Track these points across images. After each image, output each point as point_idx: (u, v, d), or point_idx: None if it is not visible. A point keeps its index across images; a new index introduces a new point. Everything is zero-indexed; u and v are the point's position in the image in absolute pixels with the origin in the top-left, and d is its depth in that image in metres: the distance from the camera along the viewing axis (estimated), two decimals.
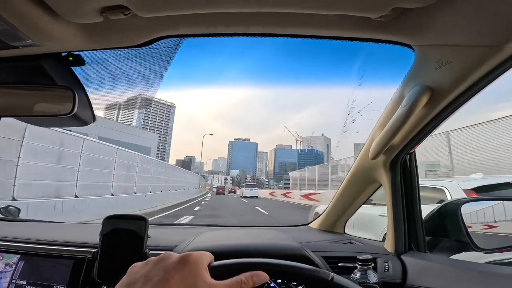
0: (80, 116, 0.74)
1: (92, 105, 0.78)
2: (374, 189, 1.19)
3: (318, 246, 1.09)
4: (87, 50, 0.64)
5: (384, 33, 0.61)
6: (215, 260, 0.45)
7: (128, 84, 0.83)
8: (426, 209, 1.08)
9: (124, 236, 0.86)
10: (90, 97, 0.77)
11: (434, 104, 0.72)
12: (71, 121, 0.75)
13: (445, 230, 1.04)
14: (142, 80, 0.82)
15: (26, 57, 0.62)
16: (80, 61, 0.68)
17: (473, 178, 3.19)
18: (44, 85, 0.67)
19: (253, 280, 0.40)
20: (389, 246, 1.05)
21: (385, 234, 1.08)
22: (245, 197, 24.43)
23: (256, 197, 24.48)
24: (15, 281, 0.90)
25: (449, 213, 1.03)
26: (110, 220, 0.88)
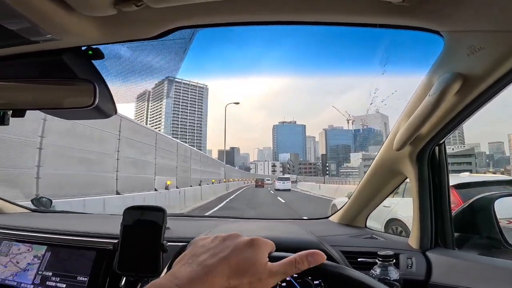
0: (102, 108, 0.76)
1: (114, 98, 0.80)
2: (398, 182, 1.15)
3: (337, 241, 1.06)
4: (105, 44, 0.65)
5: (408, 19, 0.57)
6: None
7: (147, 76, 0.84)
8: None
9: (144, 227, 0.87)
10: (111, 90, 0.78)
11: (466, 93, 0.68)
12: (94, 113, 0.77)
13: (476, 226, 0.98)
14: (161, 72, 0.82)
15: (48, 52, 0.63)
16: (99, 55, 0.69)
17: (461, 177, 3.61)
18: (66, 79, 0.69)
19: (308, 260, 0.40)
20: (413, 242, 1.00)
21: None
22: (277, 190, 24.16)
23: (289, 190, 24.09)
24: (41, 272, 0.93)
25: (481, 209, 0.97)
26: (131, 211, 0.90)
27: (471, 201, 1.00)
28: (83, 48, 0.67)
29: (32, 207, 1.71)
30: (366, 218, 1.38)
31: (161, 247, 0.85)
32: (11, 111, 0.68)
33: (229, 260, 0.37)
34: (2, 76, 0.66)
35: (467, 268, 0.83)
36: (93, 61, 0.72)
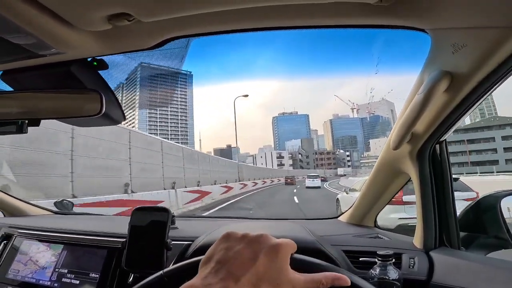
0: (111, 116, 0.81)
1: (122, 106, 0.86)
2: (403, 181, 1.14)
3: (340, 240, 1.07)
4: (106, 55, 0.70)
5: (390, 18, 0.58)
6: None
7: (150, 84, 0.89)
8: None
9: (150, 227, 0.92)
10: (118, 98, 0.84)
11: (457, 90, 0.68)
12: (104, 120, 0.83)
13: (482, 225, 0.95)
14: (164, 78, 0.87)
15: (57, 64, 0.69)
16: (104, 65, 0.74)
17: None
18: (75, 89, 0.75)
19: (333, 283, 0.39)
20: (417, 241, 0.99)
21: None
22: (308, 187, 24.06)
23: (319, 187, 24.07)
24: (58, 269, 1.00)
25: (487, 207, 0.95)
26: (138, 211, 0.95)
27: (477, 199, 0.97)
28: (89, 59, 0.73)
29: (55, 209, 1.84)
30: (376, 218, 1.37)
31: (165, 245, 0.90)
32: (27, 121, 0.75)
33: (257, 268, 0.37)
34: (18, 87, 0.73)
35: (471, 269, 0.81)
36: (100, 71, 0.78)
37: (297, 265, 0.41)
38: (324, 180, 36.27)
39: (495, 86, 0.64)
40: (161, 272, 0.57)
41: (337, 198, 7.50)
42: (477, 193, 4.39)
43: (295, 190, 20.41)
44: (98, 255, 1.00)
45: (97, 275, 0.96)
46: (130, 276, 0.95)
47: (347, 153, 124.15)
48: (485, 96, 0.68)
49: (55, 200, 1.91)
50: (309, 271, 0.40)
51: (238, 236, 0.41)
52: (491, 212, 0.92)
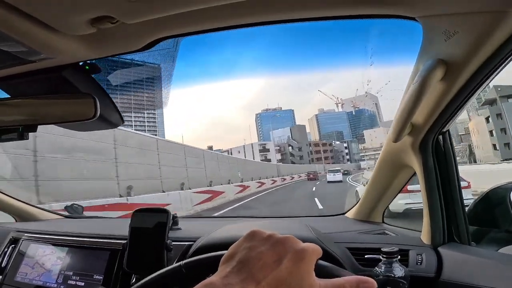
0: (109, 119, 0.82)
1: (119, 108, 0.86)
2: (408, 175, 1.10)
3: (345, 237, 1.04)
4: (96, 59, 0.71)
5: (379, 7, 0.56)
6: None
7: (144, 86, 0.89)
8: None
9: (150, 228, 0.92)
10: (115, 101, 0.84)
11: (453, 78, 0.65)
12: (102, 124, 0.83)
13: (493, 219, 0.91)
14: (155, 81, 0.87)
15: (49, 69, 0.70)
16: (96, 69, 0.75)
17: None
18: (69, 94, 0.76)
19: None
20: (425, 237, 0.95)
21: None
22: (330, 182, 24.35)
23: (340, 181, 24.16)
24: (63, 272, 1.02)
25: (496, 200, 0.90)
26: (138, 213, 0.96)
27: (485, 192, 0.93)
28: (81, 63, 0.73)
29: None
30: (383, 214, 1.34)
31: (166, 246, 0.90)
32: (23, 127, 0.76)
33: (280, 271, 0.35)
34: (13, 94, 0.75)
35: (482, 265, 0.77)
36: (93, 75, 0.79)
37: (321, 272, 0.40)
38: (347, 173, 36.06)
39: (494, 74, 0.62)
40: (180, 263, 0.58)
41: (356, 191, 7.70)
42: (468, 182, 4.45)
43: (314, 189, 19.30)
44: (101, 257, 1.01)
45: (101, 277, 0.97)
46: (133, 277, 0.96)
47: (345, 145, 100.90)
48: (484, 84, 0.65)
49: (65, 205, 1.97)
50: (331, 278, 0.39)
51: (264, 236, 0.39)
52: (501, 205, 0.88)
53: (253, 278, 0.34)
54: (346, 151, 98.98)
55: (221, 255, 0.40)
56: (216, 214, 8.33)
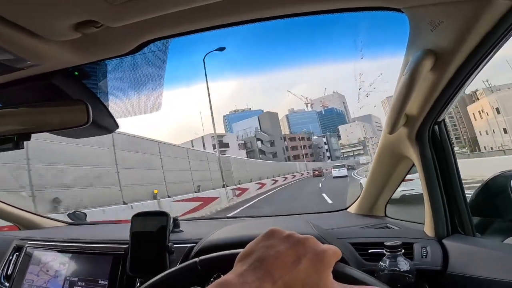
0: (103, 125, 0.81)
1: (112, 114, 0.85)
2: (407, 166, 1.09)
3: (347, 232, 1.04)
4: (84, 64, 0.70)
5: (363, 0, 0.55)
6: None
7: (136, 90, 0.88)
8: None
9: (150, 232, 0.93)
10: (108, 107, 0.84)
11: (443, 68, 0.65)
12: (96, 130, 0.82)
13: (495, 208, 0.90)
14: (148, 84, 0.86)
15: (38, 76, 0.69)
16: (86, 74, 0.74)
17: None
18: (60, 101, 0.75)
19: None
20: (428, 229, 0.94)
21: None
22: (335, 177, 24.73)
23: (346, 176, 24.40)
24: (69, 278, 1.03)
25: (498, 189, 0.89)
26: (138, 217, 0.96)
27: (485, 181, 0.92)
28: (70, 69, 0.72)
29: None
30: (385, 207, 1.33)
31: (167, 249, 0.90)
32: (17, 136, 0.75)
33: (298, 272, 0.34)
34: (4, 103, 0.74)
35: (489, 256, 0.76)
36: (84, 81, 0.78)
37: (340, 276, 0.39)
38: (351, 168, 36.97)
39: (483, 62, 0.62)
40: (195, 259, 0.58)
41: (360, 183, 7.87)
42: None
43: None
44: (104, 262, 1.01)
45: (106, 282, 0.98)
46: (137, 281, 0.96)
47: (324, 140, 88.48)
48: (475, 73, 0.65)
49: (68, 212, 1.98)
50: (351, 283, 0.38)
51: (283, 235, 0.39)
52: (503, 193, 0.86)
53: (270, 277, 0.34)
54: (326, 147, 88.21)
55: (237, 253, 0.39)
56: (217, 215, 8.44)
